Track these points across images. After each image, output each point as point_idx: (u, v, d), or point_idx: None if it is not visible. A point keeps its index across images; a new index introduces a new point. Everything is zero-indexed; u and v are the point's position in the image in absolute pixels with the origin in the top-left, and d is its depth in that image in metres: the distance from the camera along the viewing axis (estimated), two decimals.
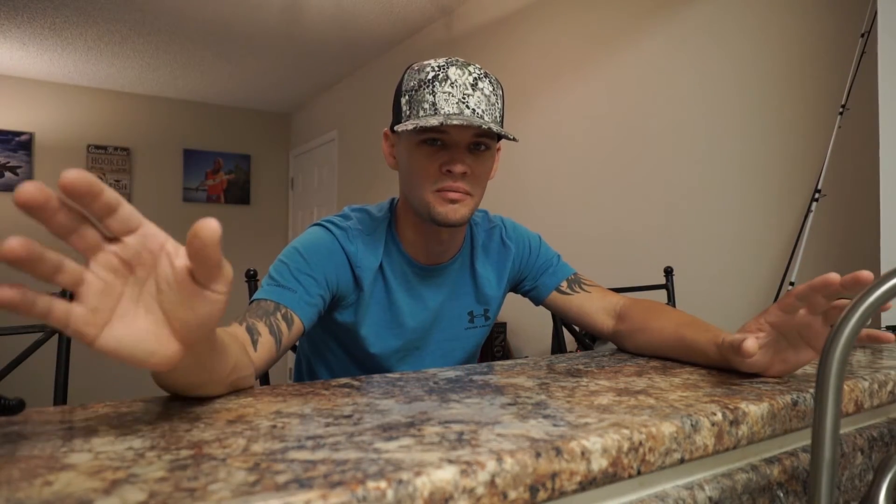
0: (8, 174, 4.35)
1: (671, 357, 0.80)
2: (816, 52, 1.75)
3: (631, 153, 2.33)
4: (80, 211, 0.36)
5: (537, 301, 1.05)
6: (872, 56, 1.42)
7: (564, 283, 1.01)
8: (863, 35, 1.57)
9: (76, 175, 0.33)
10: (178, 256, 0.38)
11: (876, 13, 1.41)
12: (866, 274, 0.52)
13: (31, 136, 4.44)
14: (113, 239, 0.38)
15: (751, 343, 0.59)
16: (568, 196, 2.63)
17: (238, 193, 5.30)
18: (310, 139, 5.16)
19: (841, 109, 1.59)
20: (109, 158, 4.72)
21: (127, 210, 0.37)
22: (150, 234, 0.38)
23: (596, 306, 0.97)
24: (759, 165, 1.88)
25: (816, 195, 1.62)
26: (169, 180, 4.99)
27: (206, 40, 3.73)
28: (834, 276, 0.55)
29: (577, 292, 1.00)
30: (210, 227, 0.35)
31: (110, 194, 0.35)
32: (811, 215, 1.62)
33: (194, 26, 3.50)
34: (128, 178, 4.79)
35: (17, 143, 4.39)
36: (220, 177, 5.22)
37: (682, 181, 2.12)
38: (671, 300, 1.63)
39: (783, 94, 1.83)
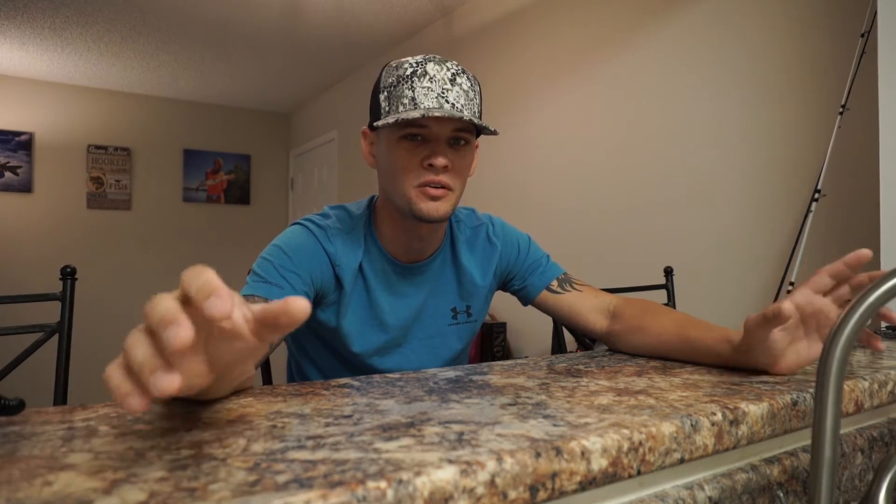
0: (8, 174, 4.35)
1: (671, 357, 0.79)
2: (816, 52, 1.75)
3: (631, 153, 2.33)
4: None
5: (526, 301, 1.03)
6: (872, 56, 1.42)
7: (555, 283, 1.00)
8: (863, 35, 1.56)
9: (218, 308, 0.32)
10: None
11: (876, 13, 1.41)
12: None
13: (31, 136, 4.43)
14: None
15: (787, 305, 0.58)
16: (568, 196, 2.62)
17: (238, 193, 5.29)
18: (310, 139, 5.15)
19: (841, 109, 1.59)
20: (109, 158, 4.72)
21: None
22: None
23: (588, 305, 0.96)
24: (759, 165, 1.88)
25: (816, 195, 1.61)
26: (169, 180, 4.98)
27: (206, 40, 3.73)
28: (866, 252, 0.60)
29: (568, 291, 0.99)
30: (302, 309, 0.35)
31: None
32: (811, 215, 1.62)
33: (194, 26, 3.50)
34: (128, 178, 4.79)
35: (17, 143, 4.39)
36: (220, 177, 5.21)
37: (682, 181, 2.12)
38: (671, 300, 1.63)
39: (783, 94, 1.83)
